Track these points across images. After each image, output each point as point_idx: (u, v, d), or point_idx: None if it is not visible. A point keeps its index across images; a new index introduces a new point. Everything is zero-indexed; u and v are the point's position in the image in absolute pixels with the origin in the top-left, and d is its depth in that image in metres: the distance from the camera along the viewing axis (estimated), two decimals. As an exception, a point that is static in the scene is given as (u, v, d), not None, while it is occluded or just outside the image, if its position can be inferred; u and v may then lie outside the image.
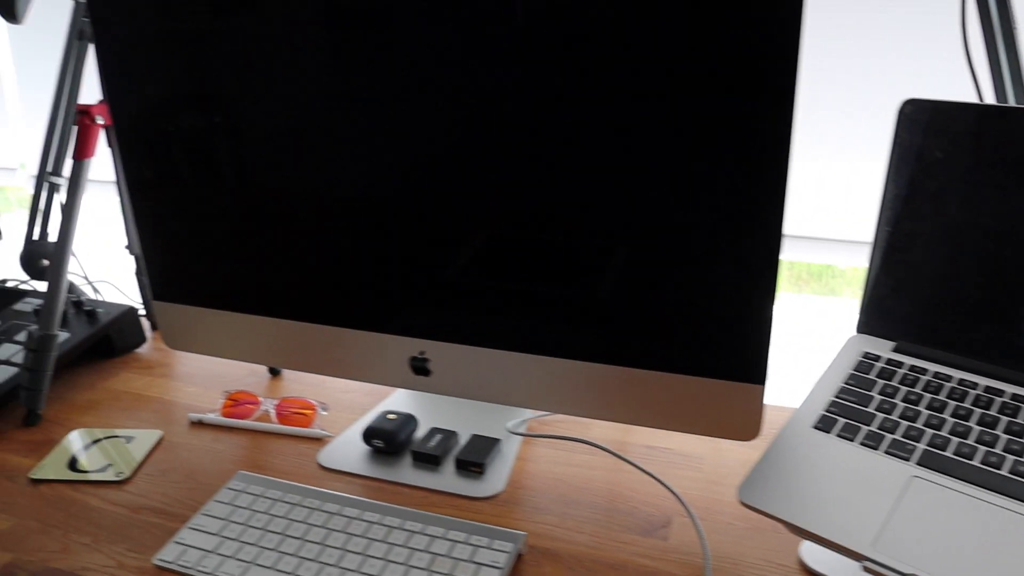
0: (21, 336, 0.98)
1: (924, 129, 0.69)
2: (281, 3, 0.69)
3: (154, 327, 1.12)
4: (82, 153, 0.88)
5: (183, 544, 0.71)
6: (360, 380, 0.82)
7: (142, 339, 1.07)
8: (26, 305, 1.05)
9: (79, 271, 1.17)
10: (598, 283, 0.70)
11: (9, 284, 1.15)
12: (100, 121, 0.90)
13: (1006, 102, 0.75)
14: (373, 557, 0.68)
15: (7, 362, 0.94)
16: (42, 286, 1.18)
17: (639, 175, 0.65)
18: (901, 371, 0.71)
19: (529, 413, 0.90)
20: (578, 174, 0.66)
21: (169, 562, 0.69)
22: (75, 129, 0.90)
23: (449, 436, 0.83)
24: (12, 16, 0.80)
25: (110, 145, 0.96)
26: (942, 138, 0.68)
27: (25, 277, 1.17)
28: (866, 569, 0.58)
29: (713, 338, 0.68)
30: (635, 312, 0.69)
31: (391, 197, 0.73)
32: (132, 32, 0.76)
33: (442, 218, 0.72)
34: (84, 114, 0.88)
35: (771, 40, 0.58)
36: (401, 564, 0.67)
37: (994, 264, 0.68)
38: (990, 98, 0.76)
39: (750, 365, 0.68)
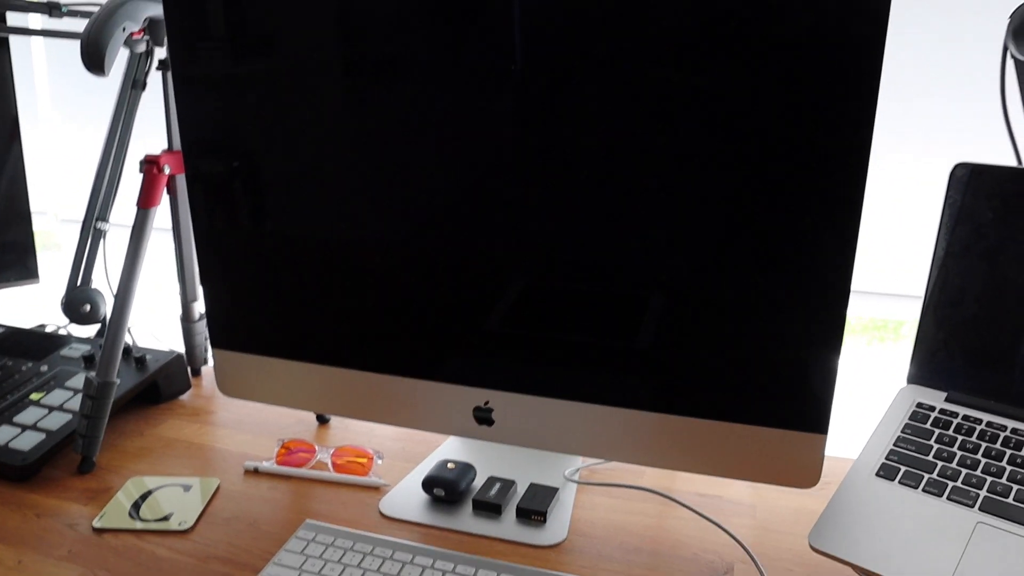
0: (72, 382, 0.99)
1: (975, 191, 0.73)
2: (351, 59, 0.72)
3: (195, 374, 1.14)
4: (148, 202, 0.90)
5: (258, 593, 0.72)
6: (422, 429, 0.83)
7: (187, 386, 1.07)
8: (73, 351, 1.06)
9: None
10: (665, 335, 0.72)
11: (48, 329, 1.16)
12: (168, 171, 0.92)
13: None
14: (451, 605, 0.70)
15: (60, 408, 0.95)
16: (83, 331, 1.19)
17: (706, 229, 0.68)
18: (956, 420, 0.74)
19: (580, 461, 0.92)
20: (641, 227, 0.69)
21: (246, 611, 0.70)
22: (140, 177, 0.92)
23: (508, 485, 0.85)
24: (100, 70, 0.82)
25: (170, 193, 0.98)
26: (993, 199, 0.72)
27: (64, 321, 1.18)
28: (941, 614, 0.61)
29: (779, 389, 0.71)
30: (702, 363, 0.72)
31: (453, 251, 0.75)
32: (210, 84, 0.78)
33: (502, 270, 0.75)
34: (152, 163, 0.90)
35: (850, 105, 0.61)
36: (479, 611, 0.69)
37: (1044, 319, 0.71)
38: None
39: (814, 415, 0.71)
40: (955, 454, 0.71)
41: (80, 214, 1.18)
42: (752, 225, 0.67)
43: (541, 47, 0.67)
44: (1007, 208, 0.72)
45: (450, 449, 0.94)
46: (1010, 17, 0.79)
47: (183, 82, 0.78)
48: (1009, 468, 0.69)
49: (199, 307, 1.11)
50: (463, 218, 0.75)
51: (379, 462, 0.92)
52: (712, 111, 0.65)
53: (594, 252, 0.72)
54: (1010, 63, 0.80)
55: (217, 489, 0.88)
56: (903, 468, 0.71)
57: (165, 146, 1.01)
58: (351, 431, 1.00)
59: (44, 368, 1.02)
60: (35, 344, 1.08)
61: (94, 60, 0.83)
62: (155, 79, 1.09)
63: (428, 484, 0.85)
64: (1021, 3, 0.79)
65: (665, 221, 0.69)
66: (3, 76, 1.20)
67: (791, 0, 0.60)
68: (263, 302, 0.85)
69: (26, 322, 1.21)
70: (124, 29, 0.86)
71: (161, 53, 0.99)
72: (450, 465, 0.86)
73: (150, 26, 0.92)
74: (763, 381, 0.71)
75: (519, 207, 0.73)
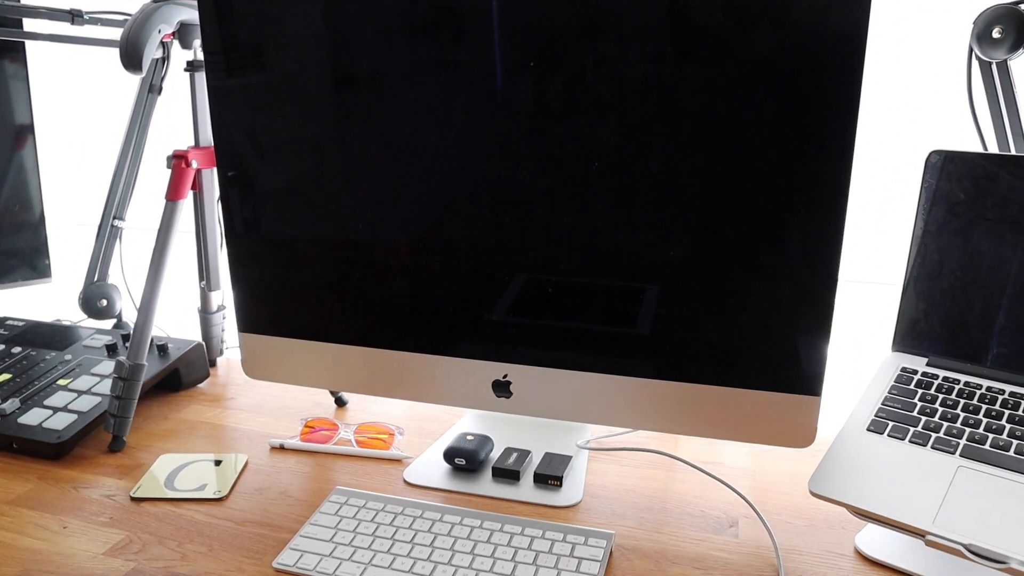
0: (97, 369, 1.03)
1: (948, 175, 0.81)
2: (372, 72, 0.79)
3: (211, 364, 1.18)
4: (176, 194, 0.95)
5: (299, 550, 0.76)
6: (445, 403, 0.89)
7: (206, 374, 1.12)
8: (95, 341, 1.10)
9: (130, 308, 1.23)
10: (673, 313, 0.79)
11: (65, 323, 1.19)
12: (195, 165, 0.97)
13: (1008, 150, 0.88)
14: (481, 556, 0.75)
15: (88, 392, 0.99)
16: (98, 324, 1.22)
17: (705, 220, 0.75)
18: (936, 382, 0.82)
19: (591, 432, 0.98)
20: (644, 219, 0.76)
21: (288, 566, 0.75)
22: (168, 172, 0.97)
23: (524, 454, 0.91)
24: (138, 68, 0.88)
25: (194, 187, 1.03)
26: (964, 182, 0.80)
27: (79, 317, 1.21)
28: (928, 543, 0.68)
29: (777, 357, 0.78)
30: (706, 336, 0.79)
31: (467, 243, 0.82)
32: (243, 87, 0.84)
33: (513, 259, 0.81)
34: (181, 158, 0.95)
35: (834, 108, 0.69)
36: (509, 561, 0.74)
37: (1013, 288, 0.79)
38: (993, 147, 0.89)
39: (809, 379, 0.78)
40: (937, 410, 0.79)
41: (93, 219, 1.22)
42: (748, 214, 0.74)
43: (532, 53, 0.74)
44: (977, 189, 0.80)
45: (466, 425, 1.00)
46: (973, 23, 0.89)
47: (217, 84, 0.84)
48: (985, 420, 0.77)
49: (217, 298, 1.16)
50: (474, 213, 0.81)
51: (400, 437, 0.97)
52: (705, 115, 0.72)
53: (599, 242, 0.79)
54: (975, 62, 0.88)
55: (246, 464, 0.92)
56: (891, 423, 0.78)
57: (179, 144, 1.05)
58: (368, 412, 1.05)
59: (68, 357, 1.06)
60: (56, 336, 1.12)
61: (132, 60, 0.89)
62: (176, 81, 1.15)
63: (449, 454, 0.90)
64: (983, 10, 0.88)
65: (667, 214, 0.76)
66: (18, 82, 1.25)
67: (771, 6, 0.68)
68: (289, 288, 0.90)
69: (42, 318, 1.24)
70: (159, 31, 0.92)
71: (188, 55, 1.04)
72: (469, 437, 0.92)
73: (180, 29, 0.97)
74: (762, 350, 0.78)
75: (525, 202, 0.79)
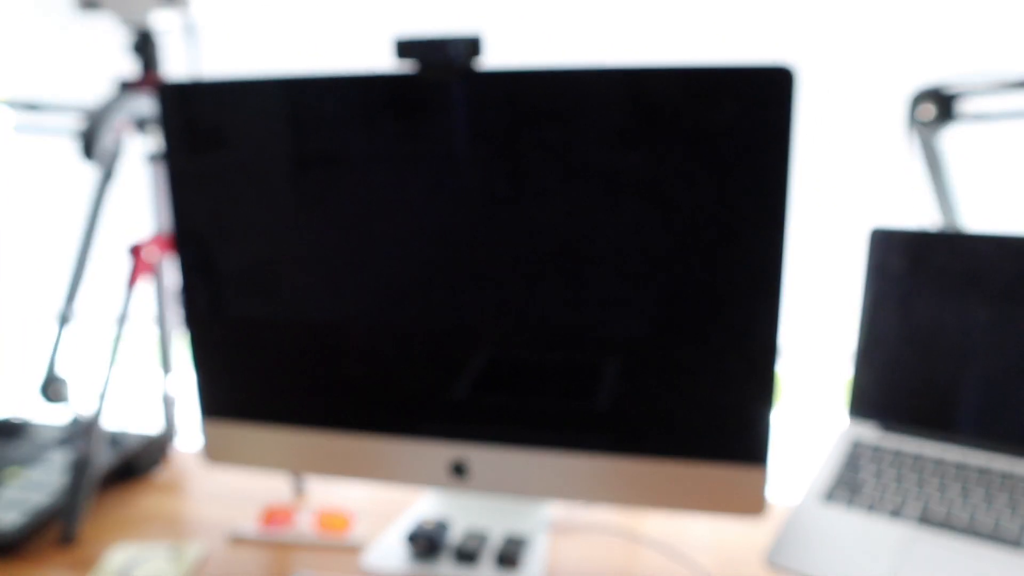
0: (49, 462, 1.01)
1: (889, 250, 0.84)
2: (326, 157, 0.81)
3: (166, 450, 1.16)
4: (133, 283, 0.96)
5: (255, 644, 0.75)
6: (402, 483, 0.88)
7: (161, 461, 1.10)
8: (46, 434, 1.08)
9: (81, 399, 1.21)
10: (624, 389, 0.80)
11: (15, 418, 1.17)
12: (152, 255, 0.97)
13: (947, 218, 0.92)
14: (442, 643, 0.74)
15: (40, 485, 0.96)
16: (51, 416, 1.20)
17: (649, 303, 0.77)
18: (890, 450, 0.83)
19: (550, 510, 0.98)
20: (592, 301, 0.78)
21: (244, 661, 0.73)
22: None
23: (483, 535, 0.90)
24: (95, 157, 0.89)
25: (155, 275, 1.03)
26: (904, 257, 0.83)
27: (28, 413, 1.19)
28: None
29: (725, 430, 0.79)
30: (659, 412, 0.80)
31: (422, 325, 0.83)
32: (200, 177, 0.85)
33: (468, 340, 0.82)
34: (138, 248, 0.96)
35: (769, 181, 0.72)
36: (470, 647, 0.73)
37: (954, 355, 0.82)
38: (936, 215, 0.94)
39: (755, 449, 0.79)
40: (891, 478, 0.80)
41: (42, 310, 1.21)
42: (693, 293, 0.76)
43: (487, 141, 0.77)
44: (916, 262, 0.83)
45: (425, 505, 0.99)
46: (910, 101, 0.93)
47: (176, 170, 0.85)
48: (938, 487, 0.78)
49: (172, 383, 1.15)
50: (431, 295, 0.82)
51: (358, 522, 0.96)
52: (650, 198, 0.75)
53: (553, 321, 0.80)
54: (913, 139, 0.93)
55: (203, 554, 0.90)
56: (846, 492, 0.79)
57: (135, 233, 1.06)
58: (327, 495, 1.04)
59: (19, 451, 1.04)
60: (8, 430, 1.10)
61: (89, 150, 0.90)
62: (133, 170, 1.15)
63: (408, 538, 0.89)
64: (918, 90, 0.92)
65: (616, 294, 0.78)
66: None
67: (705, 97, 0.72)
68: (249, 373, 0.90)
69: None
70: (117, 122, 0.93)
71: (145, 146, 1.05)
72: (427, 519, 0.91)
73: (138, 119, 0.99)
74: (710, 423, 0.79)
75: (481, 284, 0.81)
